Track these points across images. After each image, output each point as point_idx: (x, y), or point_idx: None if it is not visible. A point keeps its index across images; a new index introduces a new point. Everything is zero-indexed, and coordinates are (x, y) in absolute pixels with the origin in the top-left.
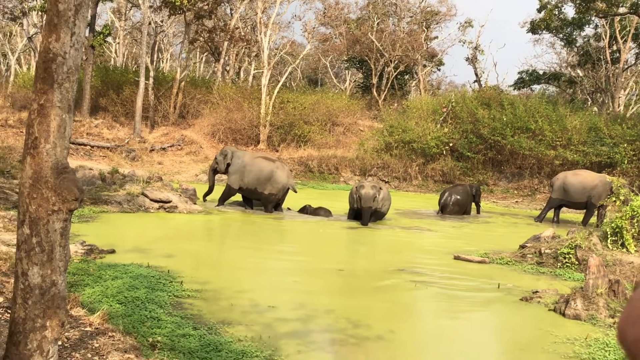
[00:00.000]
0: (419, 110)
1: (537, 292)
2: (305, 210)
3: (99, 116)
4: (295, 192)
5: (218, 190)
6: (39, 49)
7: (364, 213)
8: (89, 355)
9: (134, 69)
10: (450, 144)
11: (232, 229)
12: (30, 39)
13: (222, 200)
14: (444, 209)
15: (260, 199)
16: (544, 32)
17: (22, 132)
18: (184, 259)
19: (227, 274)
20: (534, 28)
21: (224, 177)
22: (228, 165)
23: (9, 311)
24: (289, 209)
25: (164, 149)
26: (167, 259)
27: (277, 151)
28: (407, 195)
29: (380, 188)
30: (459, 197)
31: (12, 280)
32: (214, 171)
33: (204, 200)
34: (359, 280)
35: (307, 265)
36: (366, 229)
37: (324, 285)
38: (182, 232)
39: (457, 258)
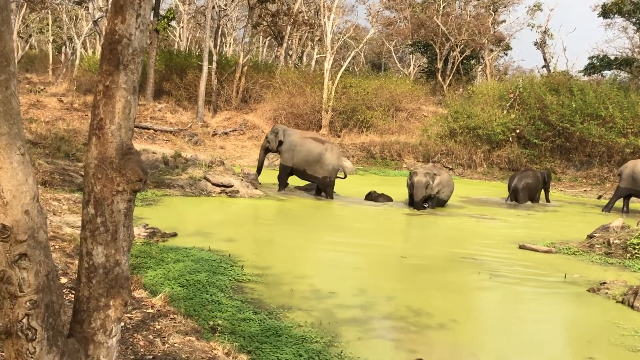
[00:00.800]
0: (485, 95)
1: (604, 283)
2: (370, 196)
3: (163, 100)
4: (343, 177)
5: (270, 174)
6: (104, 32)
7: (414, 199)
8: (151, 336)
9: (197, 54)
10: (517, 131)
11: (293, 215)
12: (95, 22)
13: (280, 180)
14: (514, 194)
15: (318, 185)
16: (615, 16)
17: (86, 115)
18: (245, 243)
19: (288, 260)
20: (606, 12)
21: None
22: (280, 143)
23: (73, 292)
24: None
25: (226, 133)
26: (229, 243)
27: (338, 137)
28: (471, 182)
29: (435, 174)
30: (529, 181)
31: (77, 262)
32: (266, 150)
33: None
34: (421, 268)
35: (368, 252)
36: (429, 215)
37: (386, 273)
38: (243, 216)
39: (522, 247)
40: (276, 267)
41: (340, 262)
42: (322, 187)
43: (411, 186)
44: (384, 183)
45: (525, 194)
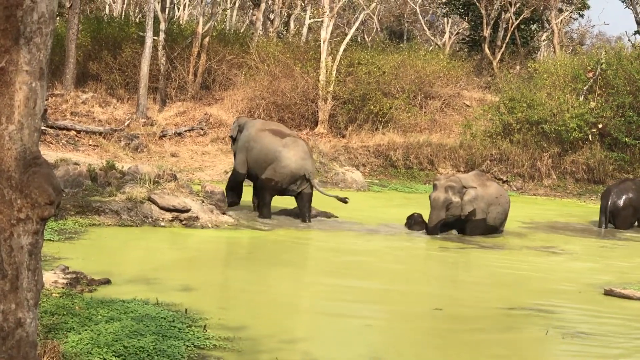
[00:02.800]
0: (552, 75)
1: None
2: (412, 219)
3: (89, 88)
4: (312, 185)
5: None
6: None
7: (428, 223)
8: None
9: (137, 21)
10: (600, 125)
11: (276, 251)
12: None
13: (230, 193)
14: (615, 217)
15: (257, 188)
16: None
17: None
18: (209, 293)
19: (270, 316)
20: None
21: None
22: (234, 140)
23: None
24: (334, 216)
25: (179, 134)
26: (185, 293)
27: (343, 136)
28: (535, 200)
29: (465, 187)
30: (631, 195)
31: None
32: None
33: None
34: (465, 326)
35: (385, 303)
36: (473, 249)
37: (412, 333)
38: (205, 254)
39: (609, 293)
40: (253, 327)
41: (344, 317)
42: (258, 195)
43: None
44: (410, 204)
45: (629, 215)
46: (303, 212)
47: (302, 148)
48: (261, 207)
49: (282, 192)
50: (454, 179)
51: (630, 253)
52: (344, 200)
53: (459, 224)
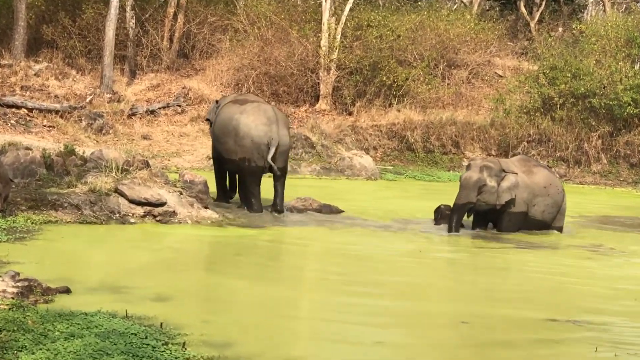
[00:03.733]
0: (602, 39)
1: None
2: (439, 212)
3: (42, 57)
4: (273, 167)
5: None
6: None
7: (455, 200)
8: None
9: None
10: None
11: (268, 253)
12: None
13: (217, 189)
14: None
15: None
16: None
17: None
18: (188, 303)
19: (261, 331)
20: None
21: None
22: (210, 123)
23: None
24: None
25: (152, 112)
26: (160, 303)
27: (349, 114)
28: (581, 190)
29: (505, 171)
30: None
31: None
32: None
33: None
34: (498, 341)
35: (399, 313)
36: (508, 249)
37: (432, 350)
38: (184, 256)
39: None
40: (242, 343)
41: (351, 330)
42: (239, 183)
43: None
44: (430, 195)
45: None
46: (274, 196)
47: (264, 113)
48: (246, 197)
49: (261, 171)
50: (493, 160)
51: None
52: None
53: (493, 216)
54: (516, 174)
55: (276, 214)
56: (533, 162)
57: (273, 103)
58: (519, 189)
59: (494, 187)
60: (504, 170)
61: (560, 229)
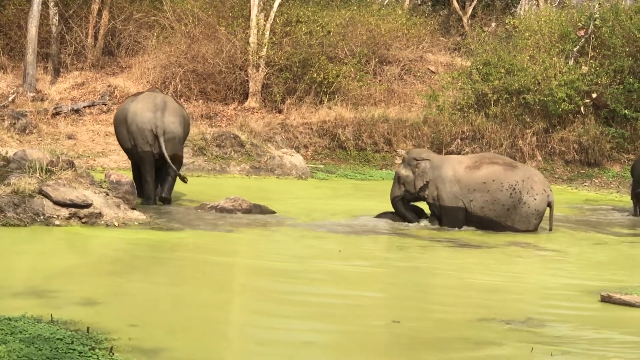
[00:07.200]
0: (536, 34)
1: None
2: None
3: None
4: (164, 155)
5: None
6: None
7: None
8: None
9: None
10: (594, 95)
11: (198, 255)
12: None
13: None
14: None
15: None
16: None
17: None
18: (116, 307)
19: (192, 335)
20: None
21: None
22: None
23: None
24: (271, 211)
25: (77, 111)
26: (86, 307)
27: (279, 112)
28: None
29: (416, 159)
30: None
31: None
32: None
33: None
34: (429, 342)
35: (331, 315)
36: (442, 247)
37: (363, 351)
38: (111, 259)
39: (606, 300)
40: (172, 348)
41: (282, 334)
42: (135, 169)
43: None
44: (359, 194)
45: None
46: (162, 185)
47: (153, 101)
48: (140, 183)
49: (149, 157)
50: (415, 150)
51: (625, 251)
52: (183, 179)
53: (434, 210)
54: (428, 160)
55: (162, 204)
56: (497, 159)
57: (201, 101)
58: (446, 182)
59: (409, 176)
60: (415, 159)
61: (519, 231)
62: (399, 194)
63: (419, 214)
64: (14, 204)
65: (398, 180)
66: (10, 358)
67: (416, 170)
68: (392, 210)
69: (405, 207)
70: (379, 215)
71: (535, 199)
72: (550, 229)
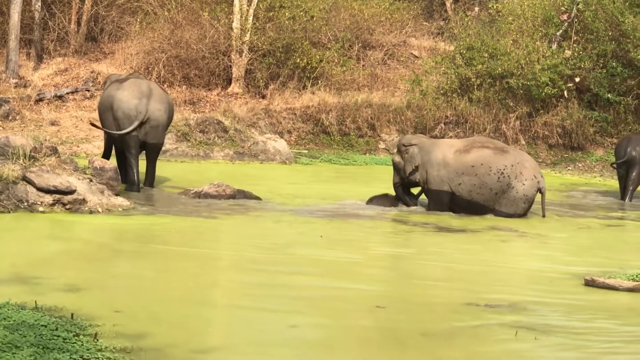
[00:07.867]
0: (519, 18)
1: None
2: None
3: None
4: (145, 142)
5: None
6: None
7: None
8: None
9: None
10: (577, 79)
11: (182, 241)
12: None
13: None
14: (631, 166)
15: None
16: None
17: None
18: (100, 293)
19: (176, 320)
20: None
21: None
22: None
23: None
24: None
25: (60, 97)
26: (70, 294)
27: (262, 97)
28: None
29: (405, 145)
30: None
31: None
32: None
33: None
34: (413, 326)
35: (315, 299)
36: (428, 232)
37: (347, 336)
38: (95, 246)
39: (590, 283)
40: (156, 334)
41: (266, 317)
42: (120, 154)
43: None
44: (342, 178)
45: None
46: (146, 172)
47: (139, 88)
48: (124, 168)
49: (134, 142)
50: (407, 136)
51: (608, 235)
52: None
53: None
54: (416, 145)
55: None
56: (489, 143)
57: (184, 87)
58: (434, 165)
59: (400, 162)
60: (404, 145)
61: (507, 215)
62: (398, 181)
63: None
64: None
65: (394, 167)
66: None
67: (405, 155)
68: (380, 193)
69: (404, 191)
70: (370, 200)
71: (524, 185)
72: (544, 215)
